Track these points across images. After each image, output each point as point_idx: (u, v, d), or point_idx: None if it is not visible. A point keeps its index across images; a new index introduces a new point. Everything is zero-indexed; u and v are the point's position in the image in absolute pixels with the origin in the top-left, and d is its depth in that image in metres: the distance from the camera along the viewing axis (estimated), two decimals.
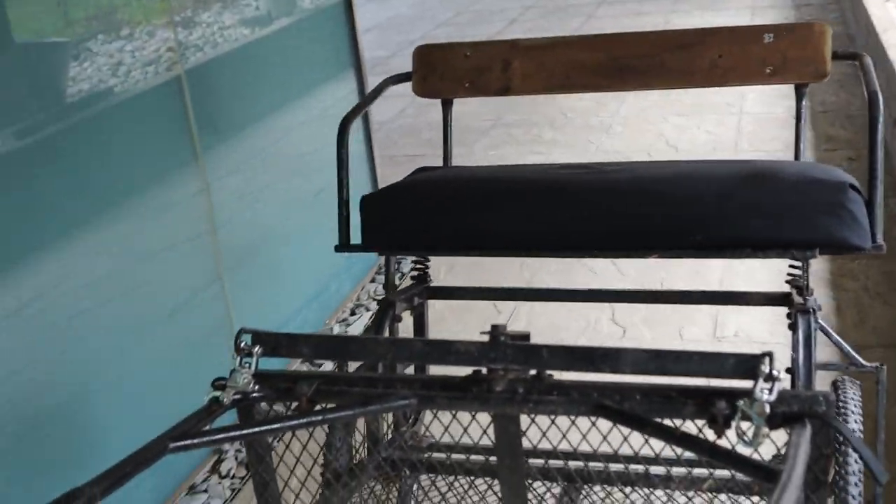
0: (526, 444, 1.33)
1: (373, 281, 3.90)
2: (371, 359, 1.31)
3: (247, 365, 1.25)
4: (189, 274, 2.69)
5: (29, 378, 2.15)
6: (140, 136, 2.52)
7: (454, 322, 3.20)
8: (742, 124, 5.19)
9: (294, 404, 1.29)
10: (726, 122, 5.25)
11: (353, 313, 3.66)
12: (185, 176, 2.70)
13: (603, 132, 5.34)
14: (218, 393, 1.24)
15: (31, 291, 2.16)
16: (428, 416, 1.38)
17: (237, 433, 1.23)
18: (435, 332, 2.13)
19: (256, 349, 1.26)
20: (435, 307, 2.13)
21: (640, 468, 1.45)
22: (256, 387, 1.25)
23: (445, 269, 3.67)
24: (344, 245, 1.96)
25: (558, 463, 1.48)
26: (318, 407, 1.28)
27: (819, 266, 3.48)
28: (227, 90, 2.96)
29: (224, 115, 2.94)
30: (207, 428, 1.21)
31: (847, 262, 3.52)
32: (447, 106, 2.26)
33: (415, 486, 1.96)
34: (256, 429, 1.23)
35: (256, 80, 3.11)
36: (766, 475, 1.01)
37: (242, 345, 1.25)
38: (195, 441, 1.16)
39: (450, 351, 1.23)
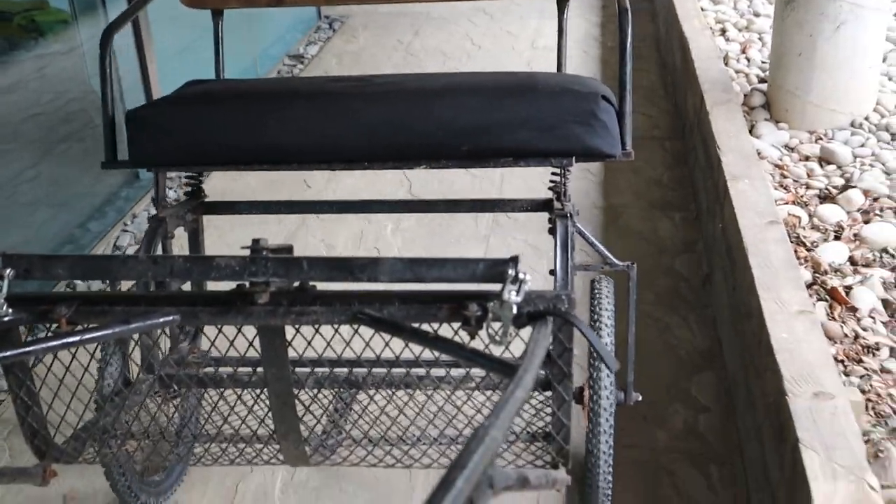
0: (293, 354, 1.36)
1: None
2: (131, 277, 1.29)
3: None
4: None
5: None
6: None
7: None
8: None
9: (54, 326, 1.26)
10: None
11: None
12: None
13: None
14: None
15: None
16: (211, 332, 1.38)
17: None
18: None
19: (8, 272, 1.21)
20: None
21: (402, 371, 1.52)
22: (10, 310, 1.22)
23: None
24: (110, 161, 1.90)
25: (326, 370, 1.52)
26: (78, 328, 1.26)
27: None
28: None
29: None
30: None
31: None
32: (217, 16, 2.20)
33: (203, 402, 1.96)
34: (10, 352, 1.20)
35: None
36: (508, 370, 1.08)
37: None
38: None
39: (211, 267, 1.24)
